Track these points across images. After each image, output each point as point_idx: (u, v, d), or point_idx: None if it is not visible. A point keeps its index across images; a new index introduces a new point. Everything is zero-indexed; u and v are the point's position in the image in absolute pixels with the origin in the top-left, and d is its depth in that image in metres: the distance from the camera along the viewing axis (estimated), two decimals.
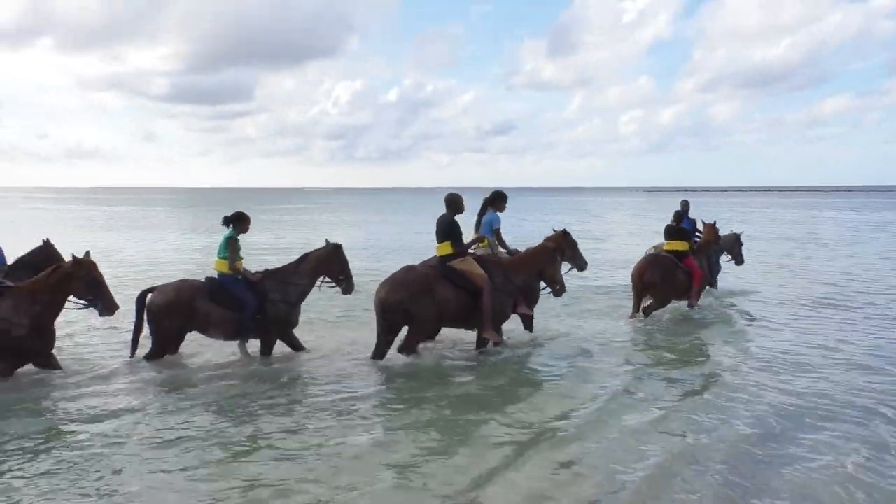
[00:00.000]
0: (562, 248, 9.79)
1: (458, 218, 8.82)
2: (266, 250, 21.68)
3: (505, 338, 9.09)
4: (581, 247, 10.30)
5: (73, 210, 63.39)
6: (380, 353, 8.52)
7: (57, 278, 7.71)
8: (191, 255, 21.69)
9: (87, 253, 8.05)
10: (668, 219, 12.58)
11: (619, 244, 26.24)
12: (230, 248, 8.46)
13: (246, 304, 8.38)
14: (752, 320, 11.40)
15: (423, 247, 17.93)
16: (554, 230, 10.27)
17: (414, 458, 5.59)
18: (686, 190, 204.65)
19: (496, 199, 9.64)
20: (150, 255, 22.12)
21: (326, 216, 54.38)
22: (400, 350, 8.52)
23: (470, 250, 9.01)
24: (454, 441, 5.97)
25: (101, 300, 7.86)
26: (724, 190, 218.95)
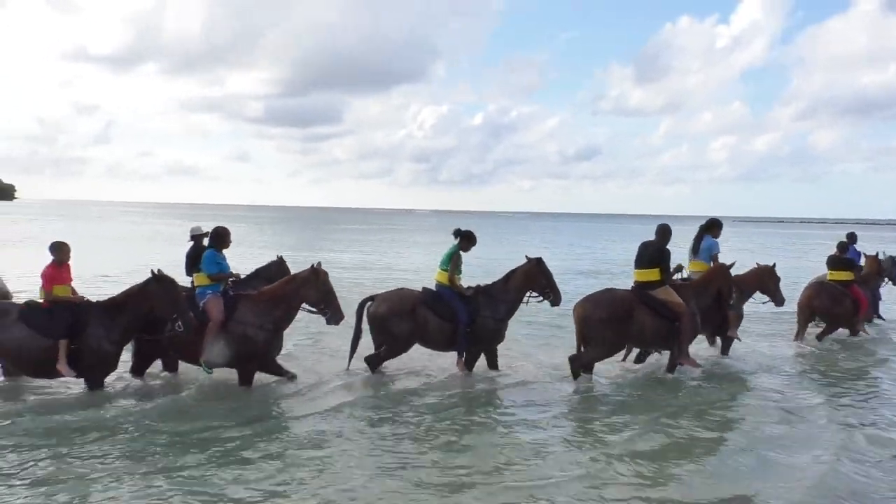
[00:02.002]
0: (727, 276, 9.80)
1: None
2: (348, 268, 21.94)
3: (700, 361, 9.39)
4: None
5: (172, 224, 66.73)
6: (578, 364, 8.84)
7: (295, 286, 8.16)
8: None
9: (319, 263, 8.42)
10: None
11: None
12: (453, 262, 8.83)
13: (460, 315, 8.67)
14: None
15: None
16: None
17: None
18: (781, 221, 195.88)
19: (712, 226, 10.05)
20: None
21: (417, 237, 55.15)
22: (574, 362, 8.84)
23: (684, 273, 9.49)
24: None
25: (331, 309, 8.22)
26: (822, 222, 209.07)
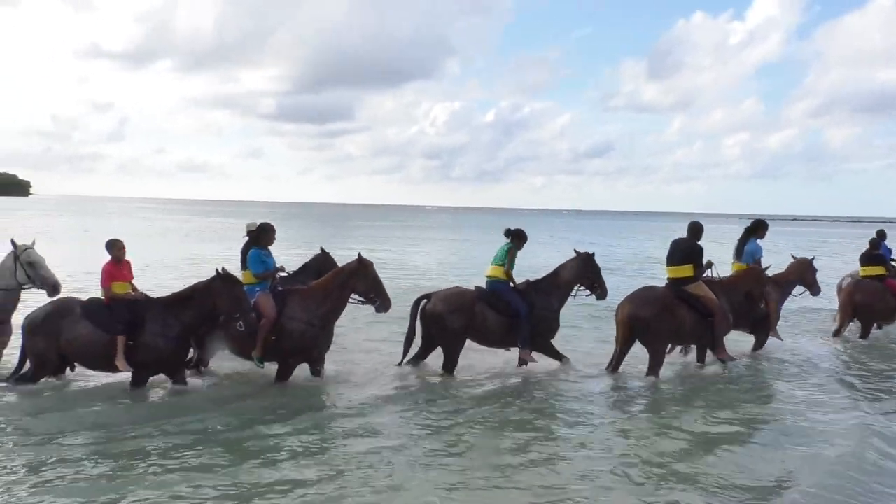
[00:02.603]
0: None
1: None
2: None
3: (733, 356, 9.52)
4: None
5: (186, 221, 67.10)
6: (616, 364, 9.06)
7: (343, 277, 8.21)
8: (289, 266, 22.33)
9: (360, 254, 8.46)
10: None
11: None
12: (509, 257, 8.95)
13: (520, 310, 8.74)
14: None
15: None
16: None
17: None
18: (795, 218, 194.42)
19: (758, 228, 10.19)
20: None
21: (432, 233, 55.49)
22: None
23: (713, 271, 9.64)
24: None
25: (380, 297, 8.27)
26: (835, 220, 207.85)
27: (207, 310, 7.65)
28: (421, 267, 24.52)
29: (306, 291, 8.35)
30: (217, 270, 7.77)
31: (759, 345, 10.47)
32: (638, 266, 25.94)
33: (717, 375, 9.24)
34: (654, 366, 8.87)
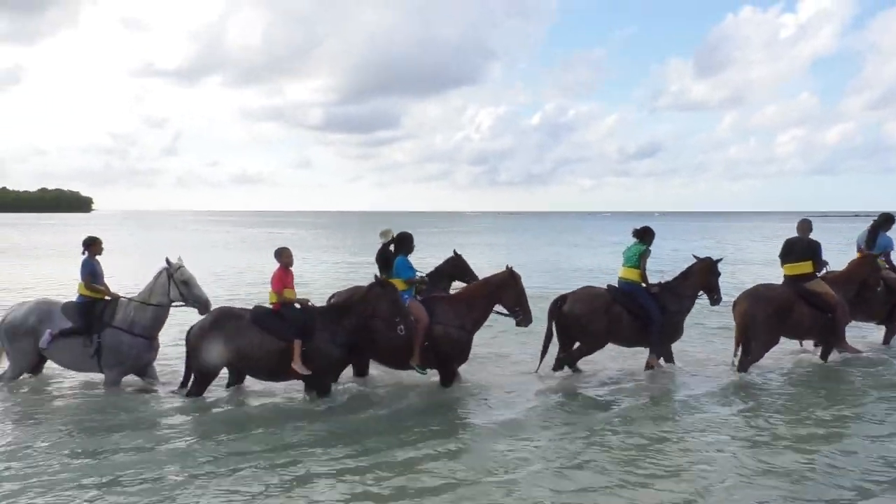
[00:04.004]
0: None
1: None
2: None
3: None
4: None
5: (240, 233, 68.51)
6: (743, 365, 9.13)
7: (492, 289, 8.35)
8: (336, 275, 22.63)
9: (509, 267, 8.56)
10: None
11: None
12: (642, 259, 9.03)
13: (653, 313, 8.83)
14: None
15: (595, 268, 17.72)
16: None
17: None
18: (857, 215, 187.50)
19: (886, 222, 10.38)
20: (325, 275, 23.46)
21: (485, 238, 55.24)
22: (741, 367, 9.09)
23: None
24: None
25: (524, 311, 8.37)
26: None
27: (367, 316, 7.73)
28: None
29: (451, 299, 8.47)
30: (375, 276, 7.96)
31: (888, 338, 10.48)
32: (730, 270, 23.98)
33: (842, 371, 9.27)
34: (753, 360, 9.03)
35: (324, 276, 21.93)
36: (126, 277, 14.91)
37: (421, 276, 8.66)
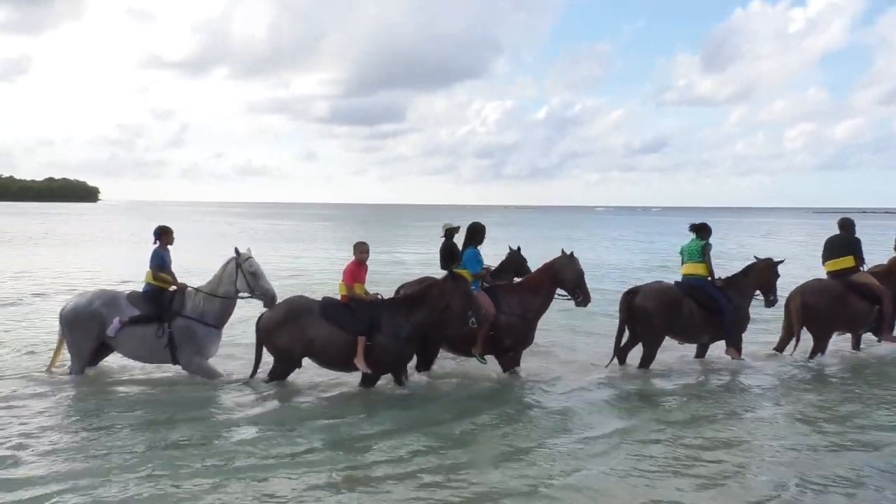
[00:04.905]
0: None
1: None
2: (412, 265, 22.02)
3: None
4: None
5: (240, 223, 68.60)
6: (783, 346, 9.68)
7: (554, 272, 8.49)
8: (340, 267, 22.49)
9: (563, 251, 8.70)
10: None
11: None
12: (705, 253, 9.08)
13: (724, 304, 8.86)
14: None
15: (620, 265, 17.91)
16: None
17: None
18: (864, 211, 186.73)
19: None
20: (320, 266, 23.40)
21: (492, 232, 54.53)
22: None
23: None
24: None
25: (583, 292, 8.53)
26: None
27: (440, 310, 7.69)
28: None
29: (516, 287, 8.64)
30: (448, 270, 7.96)
31: None
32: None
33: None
34: (818, 350, 9.44)
35: (323, 270, 21.85)
36: (119, 267, 14.86)
37: (487, 268, 8.72)
